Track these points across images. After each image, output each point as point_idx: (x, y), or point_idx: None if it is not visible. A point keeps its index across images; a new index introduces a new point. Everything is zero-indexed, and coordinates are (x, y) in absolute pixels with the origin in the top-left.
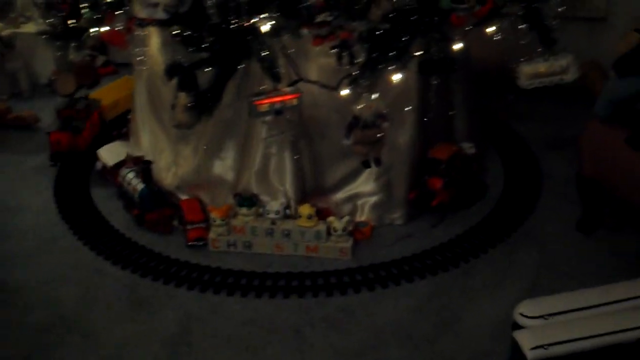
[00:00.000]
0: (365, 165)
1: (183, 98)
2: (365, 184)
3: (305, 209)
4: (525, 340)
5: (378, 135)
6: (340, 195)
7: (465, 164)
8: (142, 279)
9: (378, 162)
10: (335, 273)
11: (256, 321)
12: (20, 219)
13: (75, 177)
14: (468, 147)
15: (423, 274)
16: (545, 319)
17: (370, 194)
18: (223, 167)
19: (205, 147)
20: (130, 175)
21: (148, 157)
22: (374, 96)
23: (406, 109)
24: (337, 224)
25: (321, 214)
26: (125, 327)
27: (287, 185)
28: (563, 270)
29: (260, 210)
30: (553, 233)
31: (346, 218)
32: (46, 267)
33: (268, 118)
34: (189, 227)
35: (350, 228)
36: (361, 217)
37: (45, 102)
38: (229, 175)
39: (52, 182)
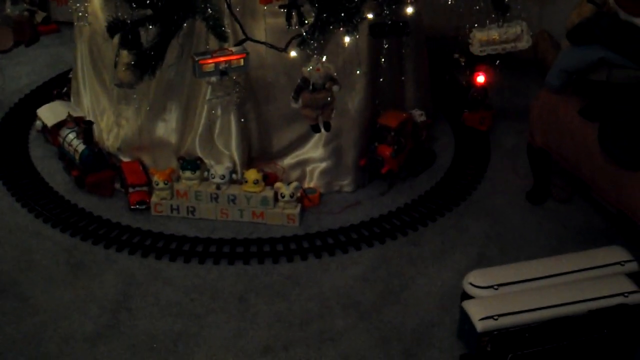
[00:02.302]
0: (315, 129)
1: (125, 56)
2: (314, 150)
3: (252, 174)
4: (474, 310)
5: (328, 98)
6: (288, 160)
7: (415, 132)
8: (81, 242)
9: (327, 126)
10: (282, 240)
11: (199, 288)
12: None
13: (13, 136)
14: (418, 115)
15: (371, 242)
16: (495, 289)
17: (319, 160)
18: (166, 129)
19: (147, 108)
20: (71, 136)
21: (89, 118)
22: (323, 58)
23: (357, 72)
24: (285, 190)
25: (268, 180)
26: (63, 292)
27: (233, 149)
28: (512, 240)
29: (205, 174)
30: (502, 203)
31: (294, 184)
32: None
33: (213, 79)
34: (130, 190)
35: (298, 194)
36: (310, 184)
37: None
38: (172, 138)
39: None
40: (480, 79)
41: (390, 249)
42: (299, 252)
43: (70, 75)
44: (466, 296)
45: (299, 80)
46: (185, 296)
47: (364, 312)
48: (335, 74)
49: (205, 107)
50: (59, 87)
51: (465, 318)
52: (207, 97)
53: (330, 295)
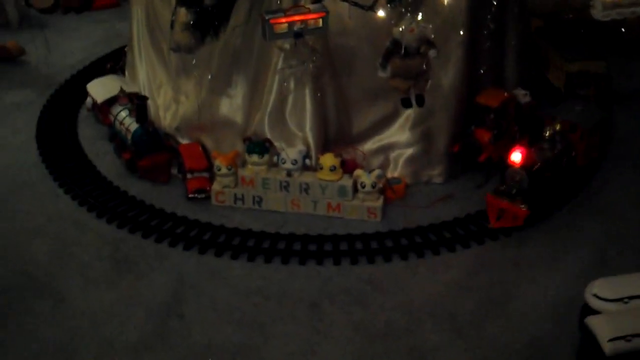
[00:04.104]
0: (405, 104)
1: (183, 15)
2: (399, 133)
3: (328, 160)
4: (602, 328)
5: (422, 66)
6: (369, 145)
7: (519, 114)
8: (129, 235)
9: (421, 100)
10: (361, 237)
11: (264, 291)
12: None
13: (62, 114)
14: (522, 95)
15: (467, 242)
16: (626, 302)
17: (406, 146)
18: (231, 106)
19: (210, 81)
20: (123, 113)
21: (144, 94)
22: (418, 17)
23: (456, 38)
24: (366, 178)
25: (346, 167)
26: (104, 292)
27: (307, 130)
28: (634, 242)
29: (274, 159)
30: (619, 200)
31: (376, 172)
32: (17, 215)
33: (286, 43)
34: (189, 176)
35: (381, 185)
36: (394, 173)
37: (32, 34)
38: (238, 116)
39: (35, 119)
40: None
41: (491, 251)
42: (381, 252)
43: (126, 48)
44: (589, 310)
45: (387, 44)
46: (248, 301)
47: (461, 326)
48: (432, 35)
49: (276, 79)
50: (113, 60)
51: (588, 338)
52: (279, 66)
53: (420, 305)
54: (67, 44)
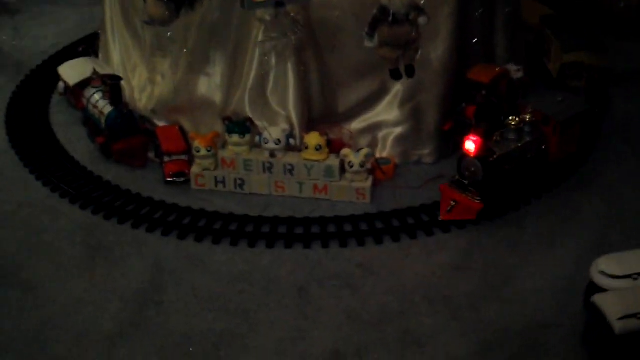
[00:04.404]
0: (394, 75)
1: None
2: (387, 111)
3: (313, 139)
4: (611, 307)
5: (412, 34)
6: (356, 124)
7: (511, 90)
8: (104, 221)
9: (411, 71)
10: (350, 219)
11: (248, 277)
12: None
13: (32, 100)
14: (514, 70)
15: (462, 223)
16: (635, 279)
17: (394, 124)
18: (209, 85)
19: (187, 59)
20: (97, 96)
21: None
22: None
23: (442, 13)
24: (354, 158)
25: (333, 147)
26: (77, 281)
27: (290, 107)
28: (636, 224)
29: (256, 139)
30: (618, 178)
31: (365, 150)
32: None
33: (266, 14)
34: (166, 159)
35: (370, 165)
36: (382, 153)
37: (3, 20)
38: (217, 96)
39: (5, 103)
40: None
41: (486, 232)
42: (371, 234)
43: (99, 30)
44: (595, 289)
45: (374, 11)
46: (232, 287)
47: (457, 309)
48: (422, 1)
49: (257, 54)
50: (86, 43)
51: (596, 317)
52: (259, 38)
53: (413, 288)
54: (40, 30)
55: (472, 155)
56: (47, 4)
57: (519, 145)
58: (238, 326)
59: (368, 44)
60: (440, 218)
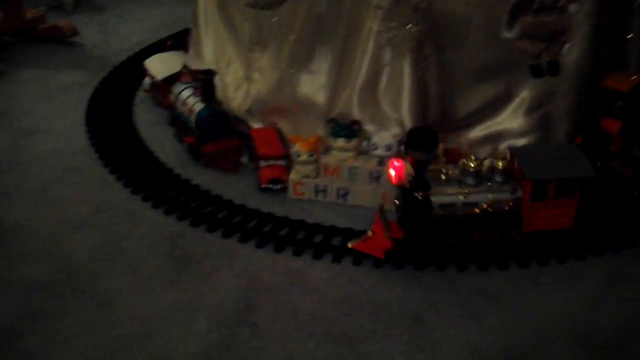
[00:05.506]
0: (535, 72)
1: None
2: (512, 119)
3: None
4: None
5: (561, 24)
6: (476, 132)
7: None
8: (191, 229)
9: (555, 68)
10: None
11: (354, 299)
12: (37, 144)
13: (115, 98)
14: None
15: (600, 249)
16: None
17: (519, 134)
18: (313, 83)
19: (289, 54)
20: (186, 92)
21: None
22: None
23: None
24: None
25: (449, 156)
26: (160, 296)
27: (404, 110)
28: None
29: (364, 144)
30: None
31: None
32: (61, 205)
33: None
34: (262, 164)
35: None
36: None
37: (88, 17)
38: (321, 95)
39: (85, 103)
40: None
41: (629, 260)
42: (495, 257)
43: (191, 25)
44: None
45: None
46: (335, 310)
47: (599, 349)
48: None
49: (370, 48)
50: (175, 38)
51: None
52: (375, 28)
53: (546, 322)
54: (125, 27)
55: (393, 182)
56: (133, 2)
57: (465, 195)
58: (343, 356)
59: (506, 34)
60: (349, 245)
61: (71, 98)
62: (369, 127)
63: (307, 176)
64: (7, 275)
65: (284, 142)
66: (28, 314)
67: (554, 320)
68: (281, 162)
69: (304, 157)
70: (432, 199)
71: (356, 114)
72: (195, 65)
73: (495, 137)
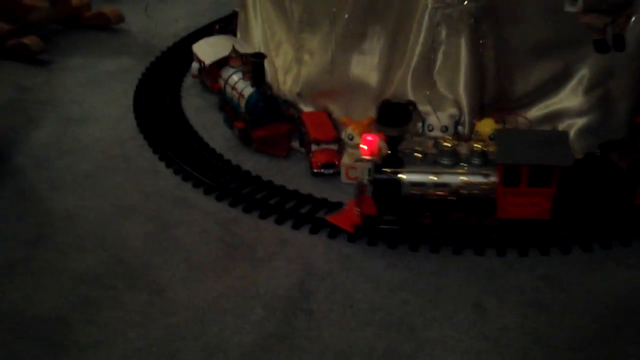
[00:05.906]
0: (600, 47)
1: None
2: (571, 98)
3: (487, 126)
4: None
5: None
6: (534, 111)
7: None
8: (243, 215)
9: (621, 43)
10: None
11: (412, 286)
12: (86, 132)
13: (163, 83)
14: None
15: None
16: None
17: (579, 114)
18: (365, 64)
19: (340, 35)
20: (236, 76)
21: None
22: None
23: None
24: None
25: None
26: (213, 284)
27: (460, 90)
28: None
29: (419, 126)
30: None
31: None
32: (110, 192)
33: None
34: (314, 148)
35: None
36: None
37: (134, 3)
38: (373, 77)
39: (133, 89)
40: None
41: None
42: (554, 242)
43: (237, 9)
44: None
45: None
46: (393, 297)
47: None
48: None
49: (424, 26)
50: (223, 22)
51: None
52: (430, 4)
53: (613, 309)
54: (171, 12)
55: (365, 156)
56: None
57: (436, 176)
58: (403, 344)
59: (569, 8)
60: (325, 217)
61: (119, 85)
62: (424, 108)
63: (360, 160)
64: (57, 265)
65: (336, 126)
66: (78, 304)
67: (621, 307)
68: (333, 146)
69: (357, 140)
70: (403, 176)
71: (410, 95)
72: (244, 49)
73: (554, 117)
